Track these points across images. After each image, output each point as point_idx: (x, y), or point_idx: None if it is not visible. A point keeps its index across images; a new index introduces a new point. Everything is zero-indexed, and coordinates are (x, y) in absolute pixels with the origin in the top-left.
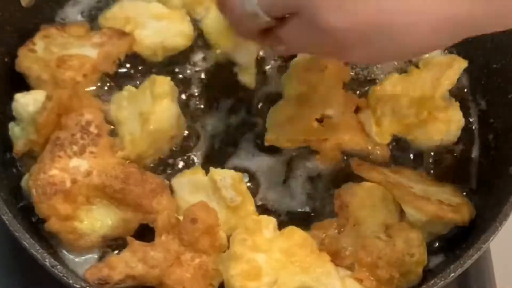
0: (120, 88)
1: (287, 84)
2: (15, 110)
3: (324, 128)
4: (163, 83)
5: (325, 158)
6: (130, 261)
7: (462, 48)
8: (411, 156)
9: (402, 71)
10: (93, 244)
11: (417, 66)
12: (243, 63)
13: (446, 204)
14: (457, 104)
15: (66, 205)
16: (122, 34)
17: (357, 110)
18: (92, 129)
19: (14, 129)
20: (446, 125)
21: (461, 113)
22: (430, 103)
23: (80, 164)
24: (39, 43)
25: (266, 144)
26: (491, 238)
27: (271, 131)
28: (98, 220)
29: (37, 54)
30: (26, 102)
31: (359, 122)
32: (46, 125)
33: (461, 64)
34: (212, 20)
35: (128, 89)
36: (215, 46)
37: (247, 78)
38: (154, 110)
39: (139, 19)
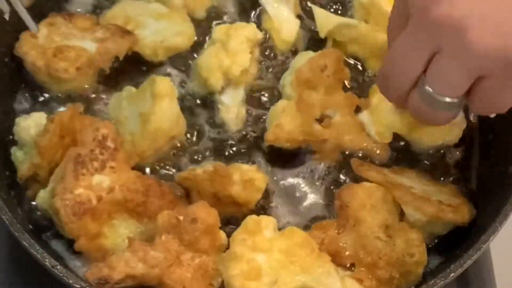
0: (120, 88)
1: (287, 84)
2: (17, 135)
3: (324, 128)
4: (163, 83)
5: (325, 158)
6: (130, 261)
7: None
8: (411, 156)
9: None
10: None
11: None
12: (227, 104)
13: (446, 204)
14: None
15: (94, 224)
16: (125, 32)
17: (357, 110)
18: (109, 143)
19: (17, 154)
20: (447, 125)
21: (462, 114)
22: None
23: (102, 180)
24: (42, 29)
25: (266, 144)
26: (491, 238)
27: (271, 131)
28: (120, 234)
29: (37, 41)
30: (28, 126)
31: (359, 122)
32: (49, 147)
33: None
34: (206, 58)
35: (128, 89)
36: (205, 81)
37: (229, 117)
38: (154, 110)
39: (139, 19)
